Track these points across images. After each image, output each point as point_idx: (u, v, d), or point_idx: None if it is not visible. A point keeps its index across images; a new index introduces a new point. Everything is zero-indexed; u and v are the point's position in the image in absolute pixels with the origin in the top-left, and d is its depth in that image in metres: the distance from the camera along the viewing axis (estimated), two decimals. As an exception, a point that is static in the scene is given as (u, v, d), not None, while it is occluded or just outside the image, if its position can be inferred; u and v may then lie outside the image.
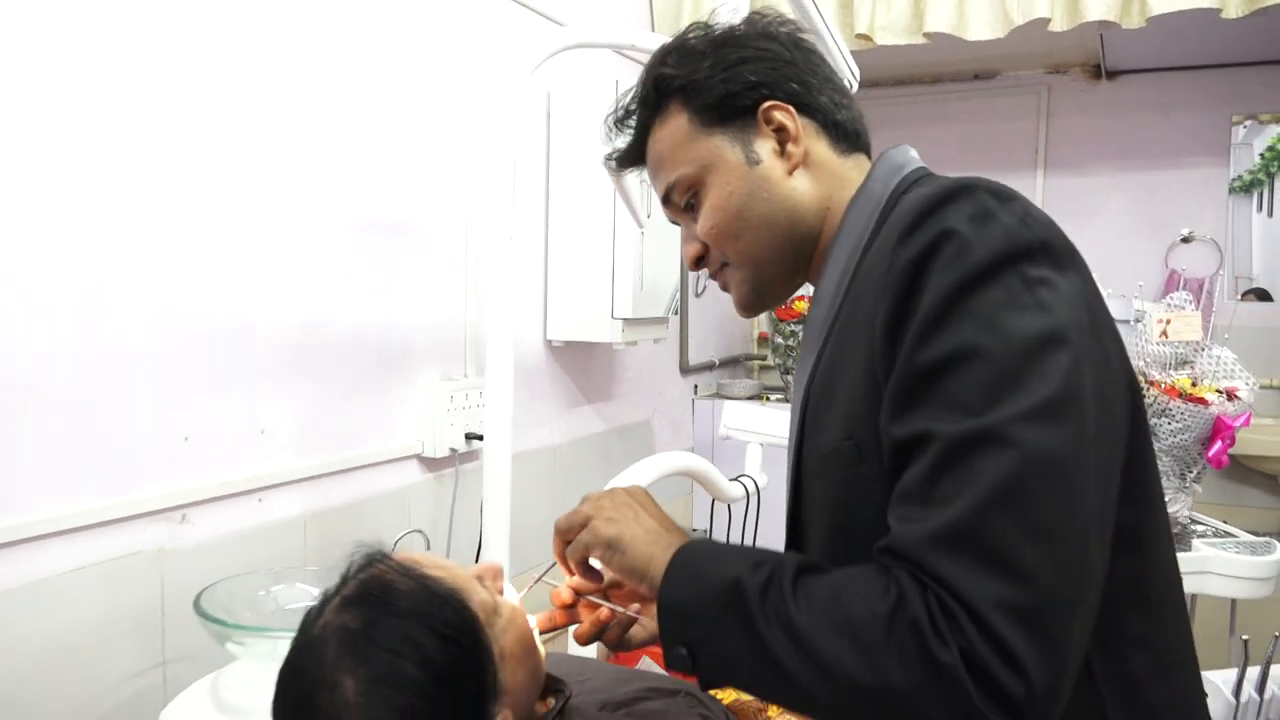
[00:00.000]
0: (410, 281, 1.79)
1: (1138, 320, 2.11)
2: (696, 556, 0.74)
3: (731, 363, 3.41)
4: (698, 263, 0.89)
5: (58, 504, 1.20)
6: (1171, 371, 2.02)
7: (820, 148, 0.86)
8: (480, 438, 1.87)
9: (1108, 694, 0.70)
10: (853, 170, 0.86)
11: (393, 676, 0.75)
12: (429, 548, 1.43)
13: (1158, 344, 2.03)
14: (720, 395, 3.16)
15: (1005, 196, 0.70)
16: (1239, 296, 3.28)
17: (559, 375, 2.30)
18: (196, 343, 1.38)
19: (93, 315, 1.24)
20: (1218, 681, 1.65)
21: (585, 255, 2.18)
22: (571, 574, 0.87)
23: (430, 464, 1.85)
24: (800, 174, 0.84)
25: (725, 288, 0.90)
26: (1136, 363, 2.07)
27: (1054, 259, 0.68)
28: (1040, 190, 3.51)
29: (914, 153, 0.86)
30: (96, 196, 1.24)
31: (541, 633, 0.89)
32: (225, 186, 1.42)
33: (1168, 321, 2.03)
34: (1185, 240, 3.33)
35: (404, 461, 1.80)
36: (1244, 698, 1.62)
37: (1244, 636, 1.66)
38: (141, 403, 1.30)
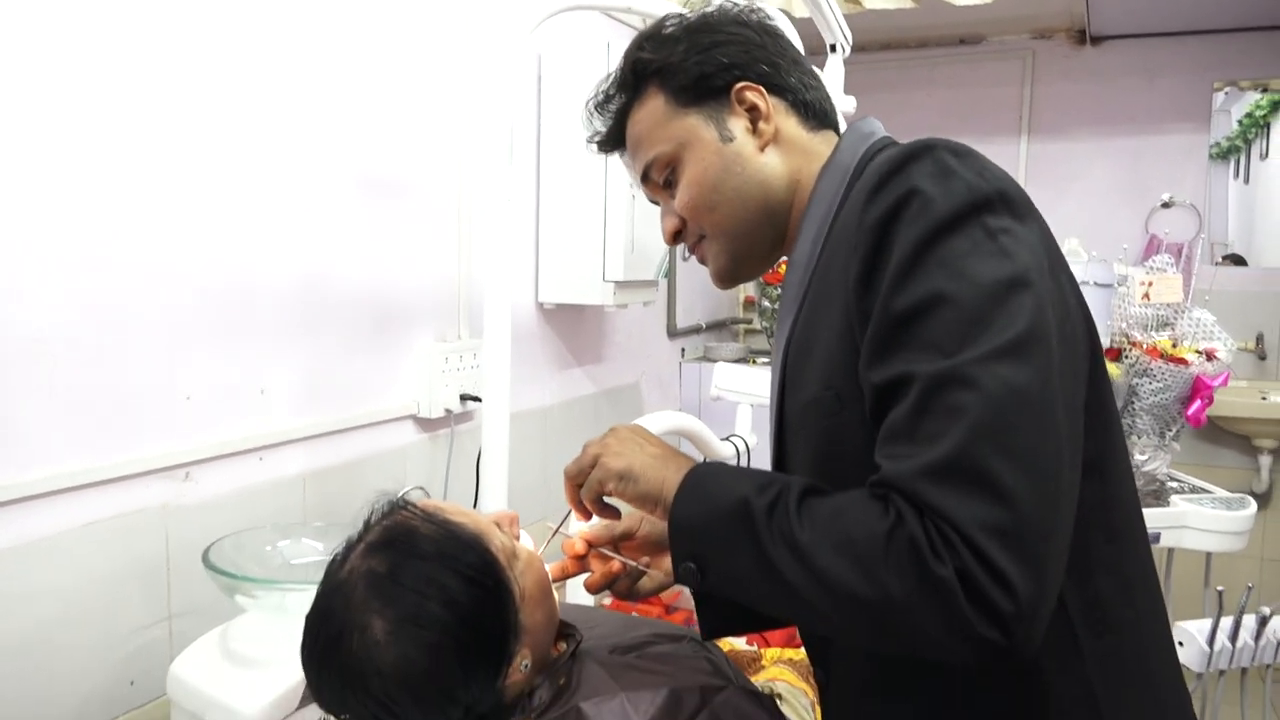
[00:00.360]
0: (405, 242, 1.80)
1: (1120, 284, 2.15)
2: (706, 478, 0.78)
3: (718, 326, 3.44)
4: (675, 237, 0.93)
5: (63, 462, 1.22)
6: (1153, 333, 2.06)
7: (790, 125, 0.90)
8: (475, 399, 1.90)
9: (1076, 615, 0.74)
10: (821, 145, 0.90)
11: (420, 616, 0.78)
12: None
13: (1139, 306, 2.07)
14: (707, 358, 3.19)
15: (963, 153, 0.74)
16: (1217, 261, 3.33)
17: (550, 337, 2.32)
18: (197, 302, 1.39)
19: (94, 276, 1.25)
20: (1192, 630, 1.71)
21: (577, 218, 2.19)
22: (588, 517, 0.90)
23: (425, 424, 1.87)
24: (772, 150, 0.89)
25: (703, 260, 0.93)
26: (1119, 324, 2.11)
27: (1012, 208, 0.72)
28: (1024, 156, 3.54)
29: (879, 124, 0.90)
30: (98, 157, 1.24)
31: (554, 580, 0.92)
32: (225, 146, 1.42)
33: (1149, 284, 2.07)
34: (1166, 205, 3.37)
35: (400, 422, 1.82)
36: (1217, 646, 1.68)
37: (1218, 588, 1.72)
38: (144, 362, 1.32)
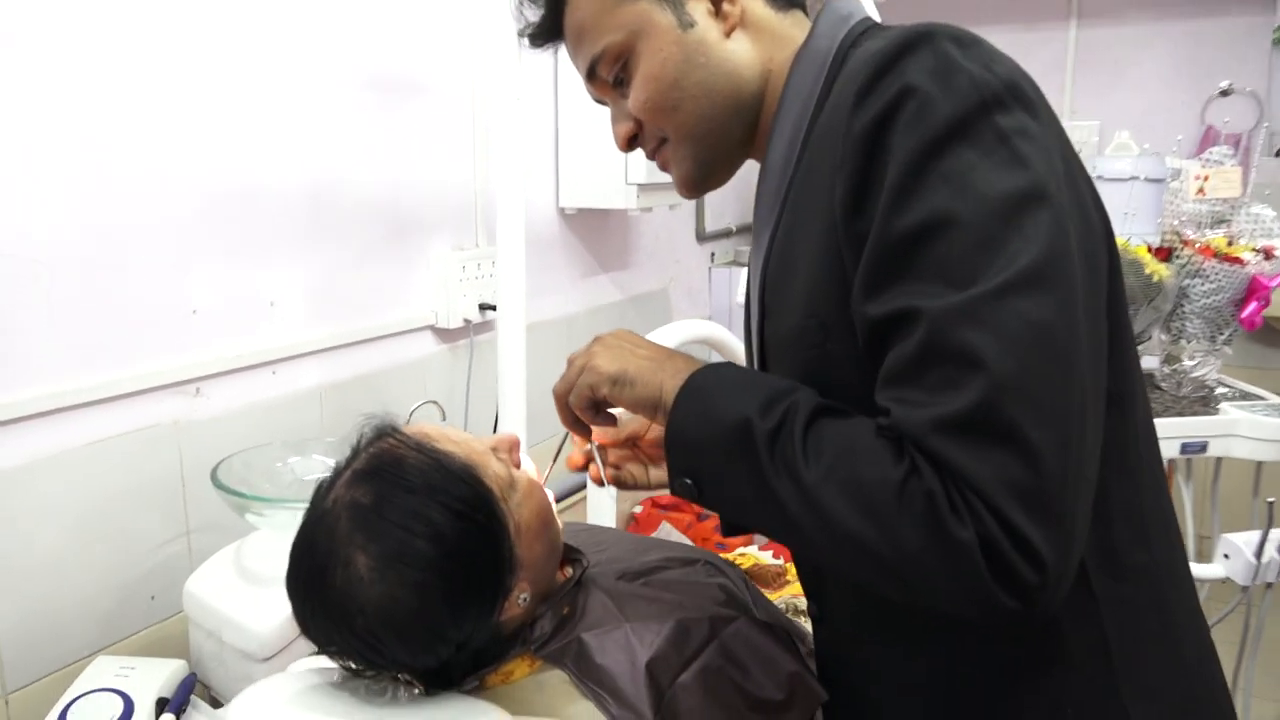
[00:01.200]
0: (419, 146, 1.73)
1: (1173, 178, 2.03)
2: (707, 386, 0.71)
3: (748, 229, 3.34)
4: (631, 143, 0.83)
5: (66, 380, 1.19)
6: (1206, 231, 1.95)
7: (756, 6, 0.78)
8: (494, 308, 1.84)
9: (1090, 562, 0.68)
10: (793, 28, 0.79)
11: (405, 553, 0.74)
12: (444, 419, 1.42)
13: (1194, 202, 1.95)
14: (737, 262, 3.10)
15: (967, 42, 0.64)
16: (1276, 153, 3.15)
17: (573, 244, 2.25)
18: (201, 211, 1.34)
19: (93, 186, 1.19)
20: (1239, 543, 1.64)
21: (597, 120, 2.09)
22: (587, 438, 0.84)
23: (444, 335, 1.83)
24: (739, 35, 0.77)
25: (665, 167, 0.83)
26: (1170, 222, 1.99)
27: (1026, 104, 0.63)
28: (1072, 42, 3.34)
29: (858, 1, 0.78)
30: (92, 59, 1.17)
31: (580, 468, 0.87)
32: (227, 45, 1.35)
33: (1205, 179, 1.95)
34: (1224, 94, 3.18)
35: (418, 333, 1.78)
36: (1265, 558, 1.62)
37: (1269, 499, 1.65)
38: (146, 276, 1.27)
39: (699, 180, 0.82)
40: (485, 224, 1.89)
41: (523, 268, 1.46)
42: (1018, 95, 0.62)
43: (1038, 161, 0.61)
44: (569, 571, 0.89)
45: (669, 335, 1.66)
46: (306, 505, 1.09)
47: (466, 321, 1.81)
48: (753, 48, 0.78)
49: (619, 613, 0.81)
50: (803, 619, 1.04)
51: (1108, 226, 0.70)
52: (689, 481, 0.71)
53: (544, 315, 2.13)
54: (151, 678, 0.95)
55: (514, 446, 0.87)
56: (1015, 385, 0.56)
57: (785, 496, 0.63)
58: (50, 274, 1.16)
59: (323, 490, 0.80)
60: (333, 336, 1.58)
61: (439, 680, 0.80)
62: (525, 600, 0.81)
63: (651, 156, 0.83)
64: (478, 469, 0.79)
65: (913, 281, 0.60)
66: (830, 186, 0.66)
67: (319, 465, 1.29)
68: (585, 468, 0.87)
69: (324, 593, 0.76)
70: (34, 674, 1.17)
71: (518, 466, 0.86)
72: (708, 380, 0.71)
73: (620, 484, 0.87)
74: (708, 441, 0.69)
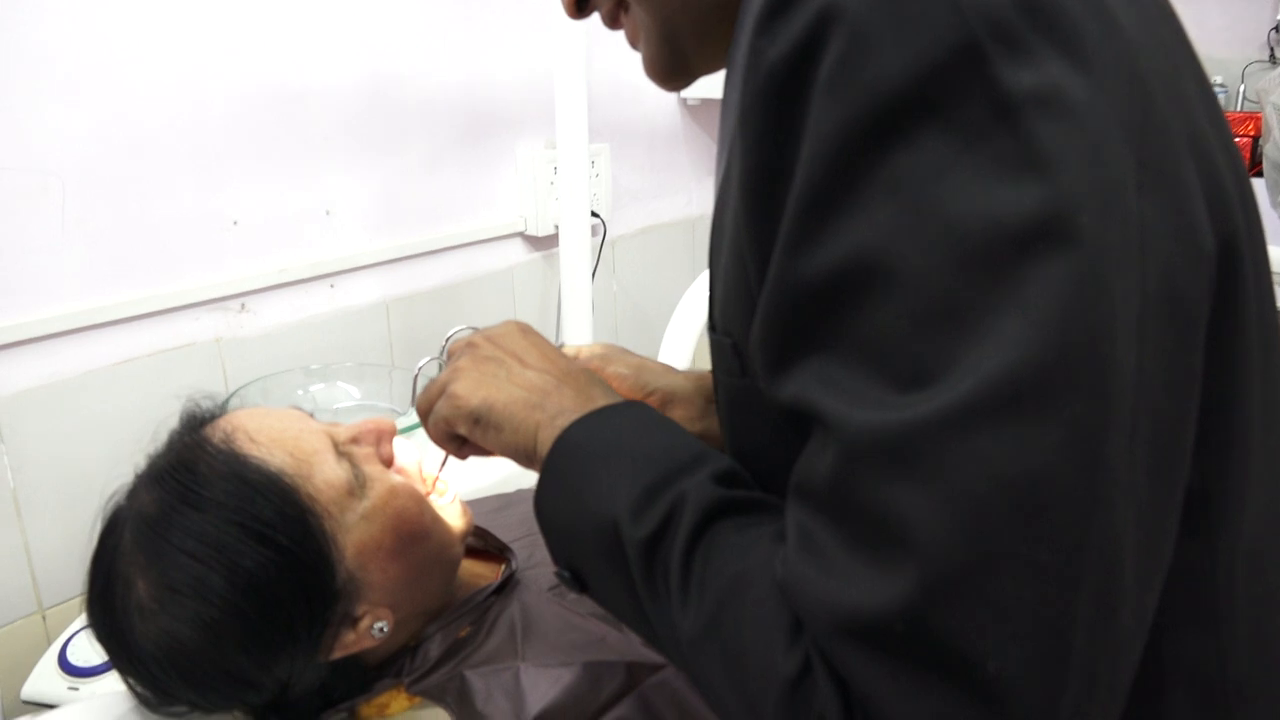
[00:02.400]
0: (500, 30, 1.55)
1: None
2: (581, 451, 0.53)
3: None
4: (581, 6, 0.60)
5: (94, 296, 1.14)
6: None
7: None
8: (596, 215, 1.68)
9: None
10: None
11: (191, 584, 0.62)
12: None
13: None
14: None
15: None
16: None
17: (697, 138, 2.02)
18: (237, 115, 1.24)
19: (111, 90, 1.11)
20: None
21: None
22: (463, 455, 0.65)
23: (535, 242, 1.68)
24: None
25: (633, 43, 0.60)
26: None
27: (1061, 35, 0.38)
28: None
29: None
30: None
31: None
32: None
33: None
34: None
35: (505, 240, 1.64)
36: None
37: None
38: (177, 186, 1.19)
39: (668, 61, 0.58)
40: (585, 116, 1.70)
41: (584, 169, 1.29)
42: (1043, 20, 0.37)
43: (1069, 161, 0.36)
44: (494, 573, 0.74)
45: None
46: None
47: (559, 228, 1.65)
48: None
49: (518, 644, 0.66)
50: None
51: (1238, 239, 0.43)
52: (567, 575, 0.53)
53: (663, 218, 1.94)
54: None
55: (383, 437, 0.71)
56: (964, 581, 0.35)
57: (662, 635, 0.47)
58: (63, 187, 1.09)
59: (123, 489, 0.69)
60: (402, 246, 1.47)
61: (284, 715, 0.68)
62: (383, 630, 0.67)
63: (611, 25, 0.61)
64: (291, 479, 0.65)
65: (824, 361, 0.40)
66: (728, 154, 0.45)
67: (342, 394, 1.19)
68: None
69: (106, 615, 0.66)
70: (69, 591, 1.17)
71: (389, 464, 0.71)
72: (585, 440, 0.53)
73: None
74: (579, 534, 0.51)
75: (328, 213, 1.37)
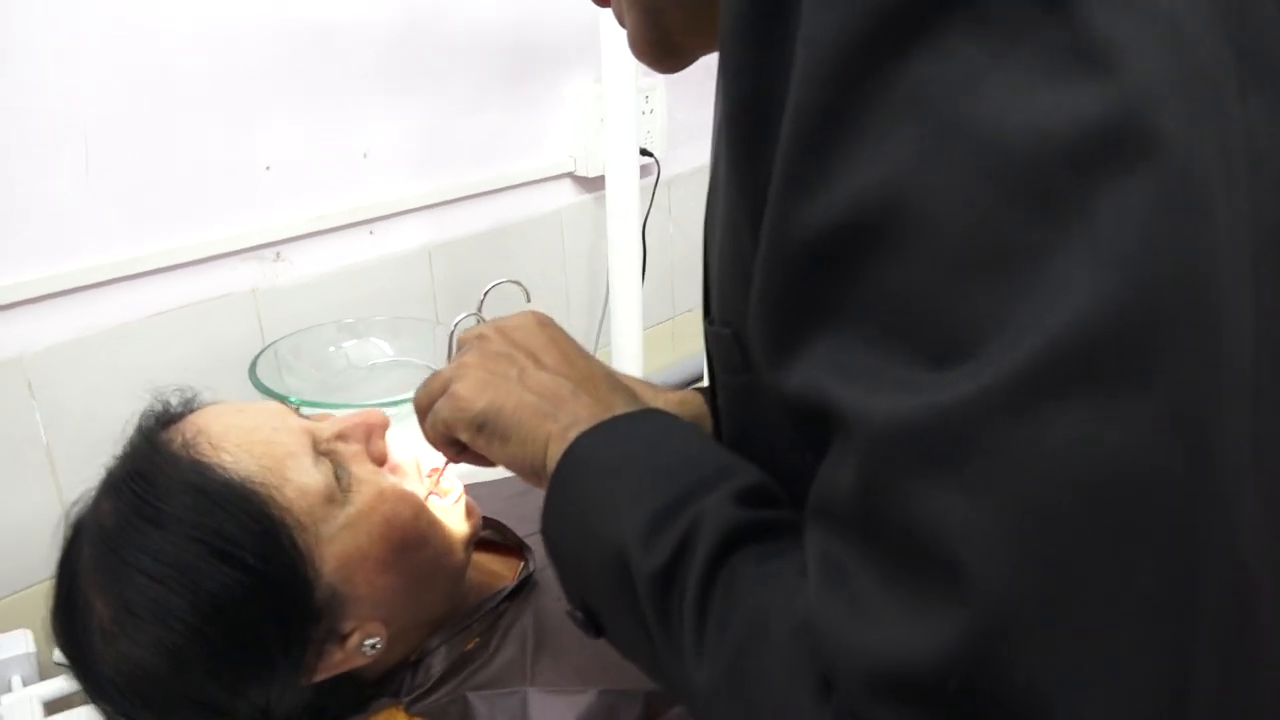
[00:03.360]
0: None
1: None
2: (588, 467, 0.46)
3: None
4: None
5: (120, 248, 1.10)
6: None
7: None
8: (649, 153, 1.59)
9: None
10: None
11: (150, 607, 0.56)
12: (529, 300, 1.22)
13: None
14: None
15: None
16: None
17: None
18: (267, 55, 1.17)
19: (132, 31, 1.05)
20: None
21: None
22: (457, 458, 0.59)
23: (586, 184, 1.60)
24: None
25: (620, 20, 0.52)
26: None
27: None
28: None
29: None
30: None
31: None
32: None
33: None
34: None
35: (553, 182, 1.56)
36: None
37: None
38: (205, 131, 1.14)
39: (656, 43, 0.50)
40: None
41: (631, 104, 1.20)
42: None
43: (1141, 50, 0.28)
44: (511, 571, 0.68)
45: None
46: (347, 408, 0.94)
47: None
48: None
49: (528, 663, 0.61)
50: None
51: None
52: (580, 615, 0.47)
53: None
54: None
55: (373, 432, 0.65)
56: (1033, 621, 0.27)
57: (676, 683, 0.41)
58: (85, 134, 1.04)
59: (91, 490, 0.64)
60: (445, 190, 1.40)
61: None
62: (375, 646, 0.62)
63: (599, 1, 0.53)
64: (259, 488, 0.58)
65: (836, 338, 0.32)
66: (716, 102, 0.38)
67: (375, 351, 1.14)
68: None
69: (68, 635, 0.61)
70: (109, 546, 1.16)
71: (382, 461, 0.65)
72: (595, 454, 0.46)
73: None
74: (587, 565, 0.45)
75: (365, 155, 1.30)
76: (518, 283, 1.20)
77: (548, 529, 0.47)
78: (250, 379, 1.03)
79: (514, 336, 0.54)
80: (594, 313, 1.64)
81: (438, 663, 0.63)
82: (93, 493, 0.64)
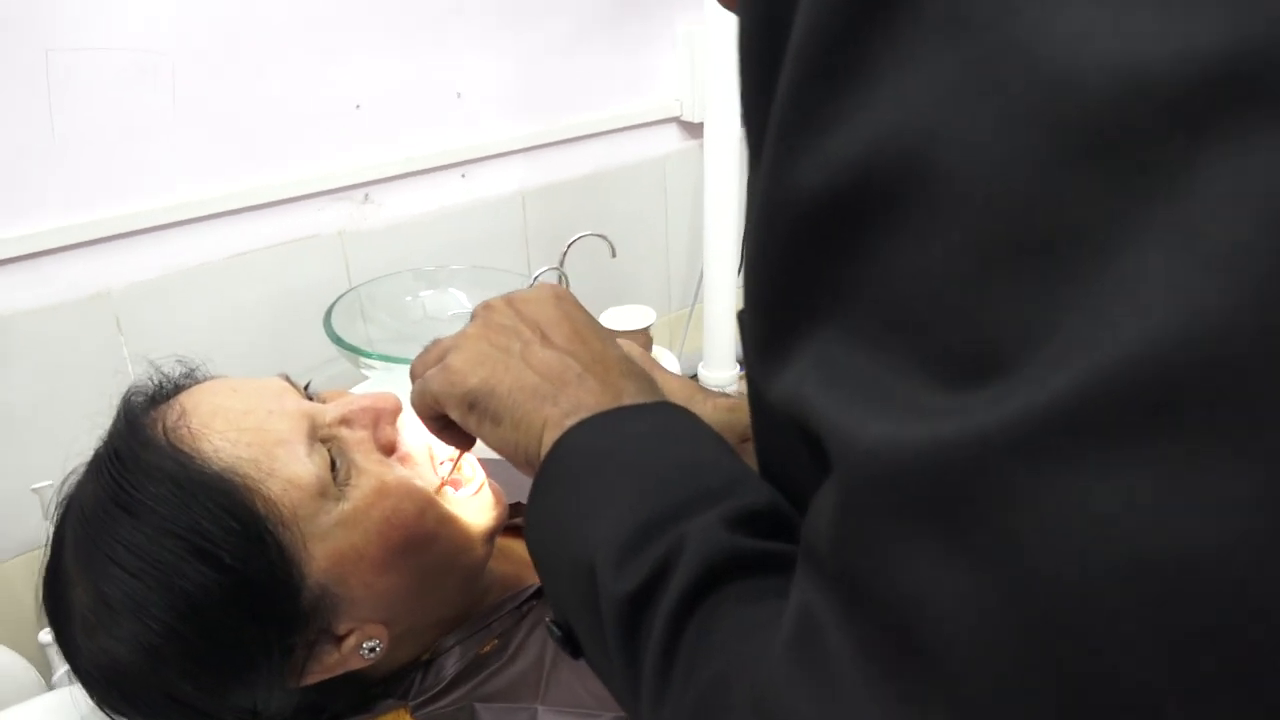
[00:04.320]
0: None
1: None
2: (571, 470, 0.40)
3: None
4: None
5: (204, 185, 1.08)
6: None
7: None
8: (761, 96, 1.49)
9: None
10: None
11: (126, 602, 0.53)
12: (614, 255, 1.15)
13: None
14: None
15: None
16: None
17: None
18: (356, -14, 1.13)
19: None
20: None
21: None
22: (462, 447, 0.54)
23: (692, 129, 1.52)
24: None
25: None
26: None
27: None
28: None
29: None
30: None
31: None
32: None
33: None
34: None
35: (658, 126, 1.49)
36: None
37: None
38: (293, 67, 1.11)
39: None
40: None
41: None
42: None
43: None
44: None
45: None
46: (402, 363, 0.90)
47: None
48: None
49: (544, 677, 0.56)
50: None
51: None
52: (558, 631, 0.41)
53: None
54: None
55: (381, 417, 0.59)
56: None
57: (638, 709, 0.34)
58: (173, 68, 1.03)
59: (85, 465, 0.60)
60: (540, 133, 1.34)
61: None
62: (374, 650, 0.57)
63: None
64: (243, 480, 0.54)
65: (828, 335, 0.26)
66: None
67: (453, 301, 1.10)
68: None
69: (52, 614, 0.58)
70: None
71: (389, 451, 0.59)
72: (587, 448, 0.40)
73: None
74: (561, 576, 0.39)
75: (459, 95, 1.25)
76: (603, 236, 1.14)
77: (529, 528, 0.42)
78: (325, 327, 1.00)
79: (523, 309, 0.48)
80: (694, 268, 1.56)
81: (450, 665, 0.59)
82: (84, 465, 0.62)
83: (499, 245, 1.33)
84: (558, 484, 0.40)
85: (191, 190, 1.08)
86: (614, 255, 1.11)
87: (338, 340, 0.97)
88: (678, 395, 0.54)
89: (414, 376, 0.50)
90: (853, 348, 0.25)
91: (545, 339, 0.46)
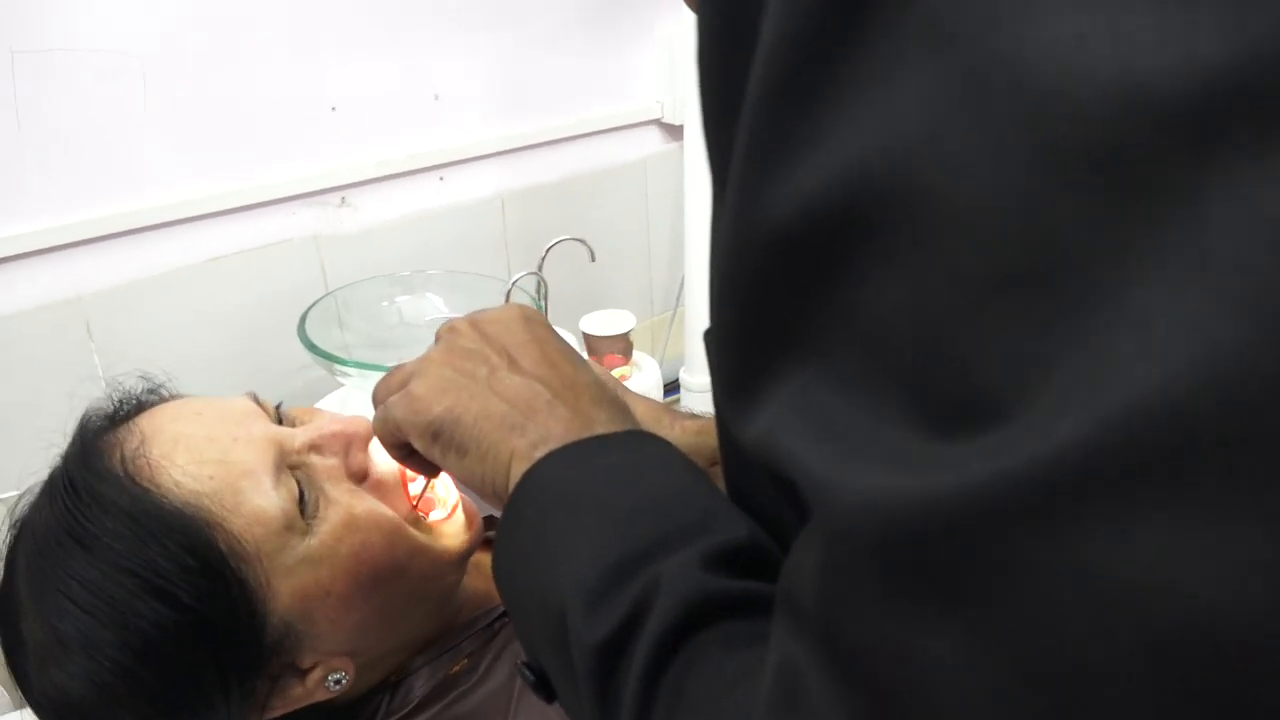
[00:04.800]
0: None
1: None
2: (539, 506, 0.38)
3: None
4: None
5: (180, 189, 1.07)
6: None
7: None
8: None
9: None
10: None
11: (78, 639, 0.51)
12: (593, 259, 1.13)
13: None
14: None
15: None
16: None
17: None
18: (331, -13, 1.11)
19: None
20: None
21: None
22: (404, 463, 0.51)
23: (674, 131, 1.51)
24: None
25: None
26: None
27: None
28: None
29: None
30: None
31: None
32: None
33: None
34: None
35: (638, 129, 1.47)
36: None
37: None
38: (267, 68, 1.09)
39: None
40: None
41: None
42: None
43: None
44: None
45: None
46: (375, 371, 0.89)
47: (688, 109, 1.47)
48: None
49: (515, 699, 0.54)
50: None
51: None
52: (530, 675, 0.39)
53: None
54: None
55: (353, 443, 0.57)
56: None
57: None
58: (144, 70, 1.01)
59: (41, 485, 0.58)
60: (520, 135, 1.33)
61: None
62: (340, 682, 0.56)
63: None
64: (207, 515, 0.52)
65: (806, 376, 0.24)
66: None
67: (429, 307, 1.09)
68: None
69: (5, 641, 0.56)
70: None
71: (360, 478, 0.57)
72: (556, 481, 0.38)
73: None
74: (532, 618, 0.37)
75: (436, 97, 1.24)
76: (582, 240, 1.13)
77: (496, 568, 0.40)
78: (299, 334, 0.99)
79: (489, 331, 0.46)
80: (676, 272, 1.55)
81: (419, 686, 0.58)
82: (39, 486, 0.60)
83: (478, 249, 1.32)
84: (525, 522, 0.38)
85: (163, 194, 1.06)
86: (593, 259, 1.10)
87: (312, 347, 0.96)
88: (645, 419, 0.53)
89: (376, 402, 0.48)
90: (831, 390, 0.23)
91: (513, 363, 0.44)
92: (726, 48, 0.26)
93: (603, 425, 0.41)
